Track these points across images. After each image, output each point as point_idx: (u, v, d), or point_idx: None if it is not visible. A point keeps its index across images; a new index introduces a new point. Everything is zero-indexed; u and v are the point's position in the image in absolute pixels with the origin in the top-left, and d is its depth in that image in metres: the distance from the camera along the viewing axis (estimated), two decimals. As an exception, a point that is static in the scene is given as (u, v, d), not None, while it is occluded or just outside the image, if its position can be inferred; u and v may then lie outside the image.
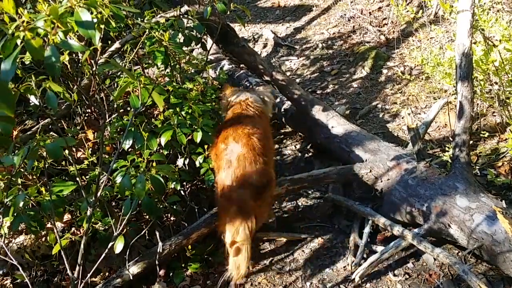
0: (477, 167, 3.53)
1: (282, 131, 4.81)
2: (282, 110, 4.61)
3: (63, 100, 3.48)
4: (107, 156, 3.41)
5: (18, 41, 1.46)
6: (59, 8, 1.63)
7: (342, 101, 5.12)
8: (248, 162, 2.99)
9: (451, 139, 3.61)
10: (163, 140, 3.11)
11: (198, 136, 3.26)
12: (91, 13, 1.93)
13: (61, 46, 1.47)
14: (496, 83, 3.53)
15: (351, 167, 3.61)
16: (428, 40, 5.28)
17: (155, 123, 3.45)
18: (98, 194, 1.94)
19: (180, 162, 3.51)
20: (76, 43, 1.50)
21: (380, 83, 5.19)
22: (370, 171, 3.49)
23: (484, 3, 4.51)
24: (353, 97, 5.15)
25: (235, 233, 2.88)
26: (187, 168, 3.56)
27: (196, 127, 3.31)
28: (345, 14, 6.65)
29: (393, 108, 4.64)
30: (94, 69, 1.71)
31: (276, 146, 4.62)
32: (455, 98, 3.08)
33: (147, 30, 3.30)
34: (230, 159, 3.02)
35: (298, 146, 4.54)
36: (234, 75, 5.32)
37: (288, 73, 5.95)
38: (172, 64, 3.69)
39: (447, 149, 3.54)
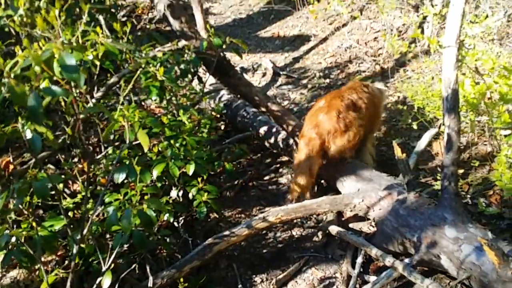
0: (469, 196, 3.55)
1: (278, 160, 4.85)
2: (279, 140, 4.65)
3: (61, 133, 3.58)
4: (102, 189, 3.46)
5: (3, 88, 1.52)
6: (44, 54, 1.71)
7: (338, 130, 5.16)
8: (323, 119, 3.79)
9: (439, 169, 3.64)
10: (155, 173, 3.16)
11: (191, 169, 3.32)
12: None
13: (44, 93, 1.54)
14: (485, 113, 3.57)
15: (343, 196, 3.65)
16: (421, 70, 5.35)
17: (149, 156, 3.51)
18: (85, 232, 1.98)
19: (174, 193, 3.56)
20: (58, 89, 1.57)
21: (375, 112, 5.23)
22: (363, 200, 3.52)
23: (477, 34, 4.59)
24: (348, 126, 5.19)
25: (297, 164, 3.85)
26: (181, 199, 3.61)
27: (189, 159, 3.37)
28: (342, 44, 6.76)
29: (386, 137, 4.69)
30: (77, 112, 1.78)
31: (272, 175, 4.66)
32: (445, 128, 3.12)
33: (143, 65, 3.40)
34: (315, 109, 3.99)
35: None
36: (232, 105, 5.41)
37: (286, 102, 6.04)
38: (167, 97, 3.78)
39: (438, 177, 3.56)
